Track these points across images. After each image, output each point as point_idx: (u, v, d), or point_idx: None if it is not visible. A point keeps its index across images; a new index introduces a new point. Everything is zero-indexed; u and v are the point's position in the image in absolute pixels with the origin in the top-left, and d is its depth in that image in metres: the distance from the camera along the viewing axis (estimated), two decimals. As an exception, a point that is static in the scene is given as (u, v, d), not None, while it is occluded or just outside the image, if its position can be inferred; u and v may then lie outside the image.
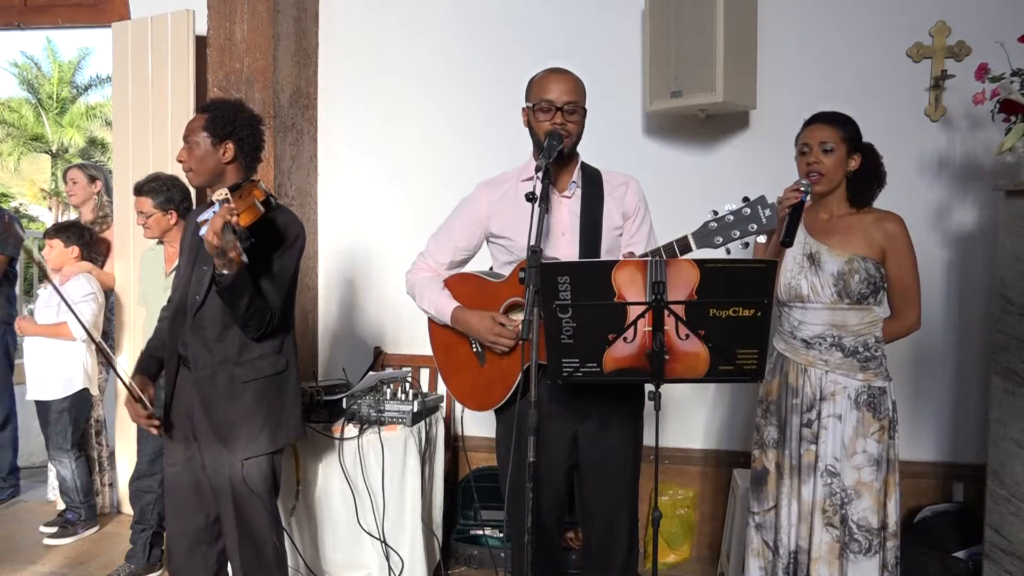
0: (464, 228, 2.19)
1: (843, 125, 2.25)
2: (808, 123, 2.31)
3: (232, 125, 2.18)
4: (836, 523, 2.21)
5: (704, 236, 1.83)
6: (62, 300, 2.71)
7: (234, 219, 1.87)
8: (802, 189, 2.08)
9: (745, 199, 1.81)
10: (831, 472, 2.21)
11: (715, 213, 1.83)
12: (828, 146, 2.23)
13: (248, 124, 2.21)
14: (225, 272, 1.94)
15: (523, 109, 2.09)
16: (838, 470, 2.21)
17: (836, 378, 2.23)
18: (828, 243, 2.26)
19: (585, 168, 2.13)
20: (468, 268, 2.26)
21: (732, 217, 1.81)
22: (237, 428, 2.17)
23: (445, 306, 2.13)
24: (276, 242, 2.16)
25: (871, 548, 2.20)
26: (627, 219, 2.12)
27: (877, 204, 2.34)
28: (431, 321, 2.23)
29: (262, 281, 2.13)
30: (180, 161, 2.20)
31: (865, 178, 2.29)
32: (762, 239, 1.90)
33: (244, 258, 1.91)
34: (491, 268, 2.25)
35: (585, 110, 2.06)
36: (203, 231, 1.90)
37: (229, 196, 1.91)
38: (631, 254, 1.97)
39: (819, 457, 2.23)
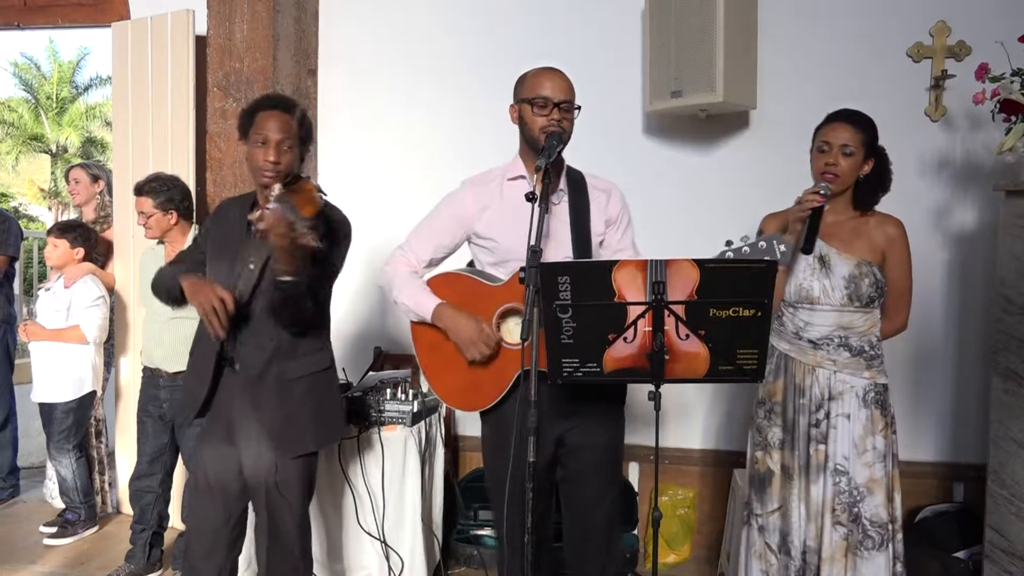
0: (447, 226, 2.15)
1: (865, 128, 2.23)
2: (831, 119, 2.27)
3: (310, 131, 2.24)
4: (844, 521, 2.21)
5: None
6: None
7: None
8: (822, 192, 2.07)
9: (760, 233, 1.81)
10: (840, 471, 2.21)
11: (729, 243, 1.82)
12: (848, 149, 2.20)
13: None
14: (288, 278, 1.95)
15: (511, 106, 2.09)
16: (847, 468, 2.21)
17: (844, 377, 2.23)
18: (835, 245, 2.25)
19: (570, 172, 2.12)
20: (448, 266, 2.23)
21: (748, 249, 1.80)
22: (286, 426, 2.16)
23: (426, 302, 2.09)
24: (328, 238, 2.15)
25: (883, 542, 2.20)
26: (609, 226, 2.12)
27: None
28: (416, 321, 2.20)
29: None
30: (276, 163, 2.10)
31: (873, 183, 2.28)
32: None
33: (317, 243, 1.91)
34: (470, 264, 2.23)
35: (578, 108, 2.06)
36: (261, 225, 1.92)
37: (283, 193, 1.93)
38: None
39: (829, 456, 2.23)
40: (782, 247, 1.80)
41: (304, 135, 2.19)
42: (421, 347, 2.18)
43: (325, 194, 2.07)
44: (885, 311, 2.32)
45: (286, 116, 2.13)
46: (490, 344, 2.01)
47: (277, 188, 1.92)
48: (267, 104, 2.16)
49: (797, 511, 2.27)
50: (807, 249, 2.07)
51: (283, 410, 2.16)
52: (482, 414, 2.17)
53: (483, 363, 2.06)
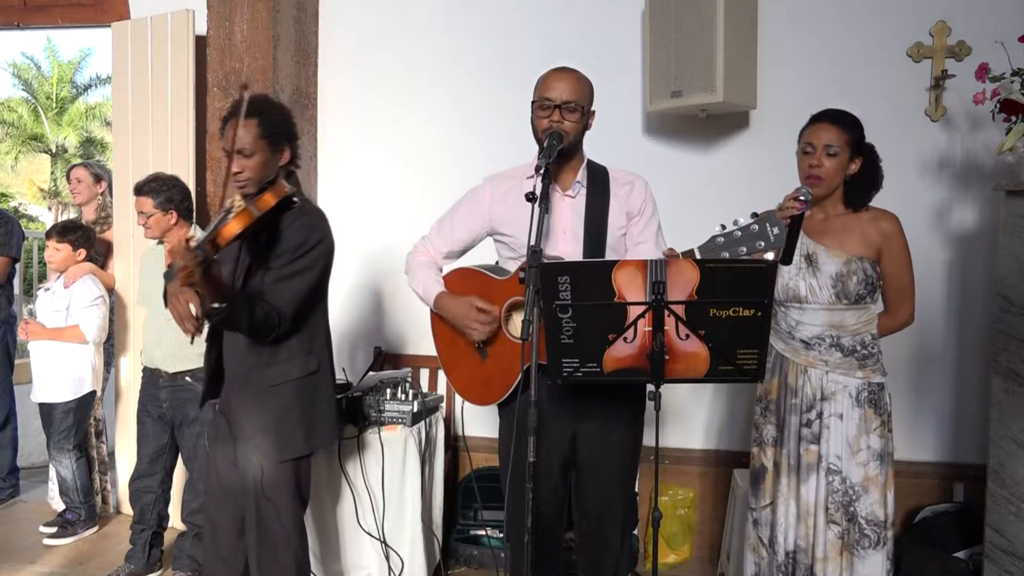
0: (465, 220, 2.19)
1: (849, 128, 2.23)
2: (814, 120, 2.27)
3: (288, 127, 2.18)
4: (839, 520, 2.21)
5: (711, 250, 1.82)
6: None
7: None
8: (803, 198, 2.04)
9: (754, 215, 1.80)
10: (833, 470, 2.21)
11: (722, 227, 1.82)
12: (832, 150, 2.20)
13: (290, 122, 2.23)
14: (216, 305, 1.91)
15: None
16: (840, 468, 2.21)
17: (836, 377, 2.23)
18: (825, 243, 2.25)
19: (591, 166, 2.13)
20: (471, 261, 2.25)
21: (740, 233, 1.80)
22: (269, 431, 2.16)
23: (432, 290, 2.16)
24: (288, 244, 2.11)
25: (879, 541, 2.21)
26: (631, 218, 2.11)
27: (876, 202, 2.33)
28: (434, 313, 2.23)
29: (270, 284, 2.10)
30: (237, 173, 2.06)
31: (862, 182, 2.27)
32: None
33: (193, 277, 1.79)
34: (496, 262, 2.25)
35: (588, 111, 2.05)
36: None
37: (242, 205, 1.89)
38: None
39: (821, 456, 2.23)
40: (775, 230, 1.79)
41: (271, 136, 2.11)
42: (440, 341, 2.25)
43: (295, 200, 2.05)
44: (888, 307, 2.32)
45: (247, 122, 2.04)
46: (482, 320, 2.04)
47: (236, 199, 1.91)
48: (228, 114, 2.13)
49: (784, 508, 2.28)
50: (786, 260, 2.02)
51: (267, 416, 2.17)
52: (500, 409, 2.18)
53: (496, 358, 2.07)
